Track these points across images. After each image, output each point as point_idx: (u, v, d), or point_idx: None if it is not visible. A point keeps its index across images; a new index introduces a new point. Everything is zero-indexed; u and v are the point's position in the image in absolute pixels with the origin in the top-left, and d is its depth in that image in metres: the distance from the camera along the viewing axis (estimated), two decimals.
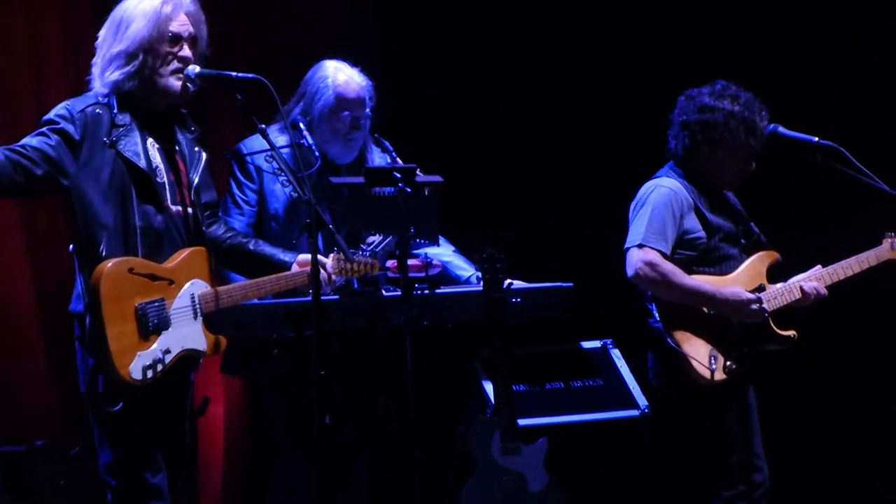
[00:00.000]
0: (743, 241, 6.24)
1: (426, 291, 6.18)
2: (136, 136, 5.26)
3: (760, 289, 6.16)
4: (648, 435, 6.60)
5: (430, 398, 7.06)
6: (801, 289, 6.18)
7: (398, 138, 6.64)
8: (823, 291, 6.19)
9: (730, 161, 6.18)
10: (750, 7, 8.52)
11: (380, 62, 8.09)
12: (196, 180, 5.40)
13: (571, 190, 8.43)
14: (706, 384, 6.07)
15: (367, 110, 6.51)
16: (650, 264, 6.01)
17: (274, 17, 8.14)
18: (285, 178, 5.87)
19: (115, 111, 5.23)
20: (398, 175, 5.84)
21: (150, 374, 5.12)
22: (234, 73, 5.42)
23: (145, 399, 5.20)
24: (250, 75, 5.46)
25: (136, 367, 5.09)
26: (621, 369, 7.00)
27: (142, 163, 5.23)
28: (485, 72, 8.55)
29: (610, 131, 8.47)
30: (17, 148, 5.17)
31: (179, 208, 5.35)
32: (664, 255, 6.06)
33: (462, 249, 6.55)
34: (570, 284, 6.42)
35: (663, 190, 6.14)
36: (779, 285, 6.20)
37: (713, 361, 6.01)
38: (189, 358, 5.30)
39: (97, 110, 5.23)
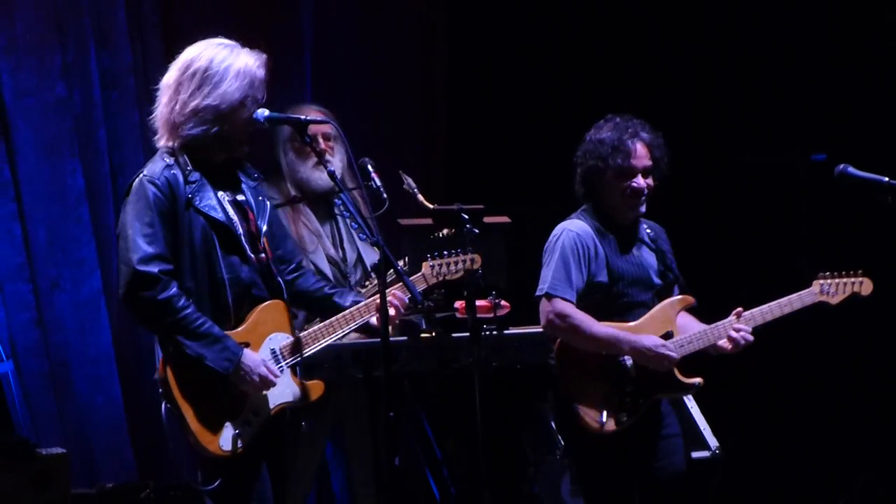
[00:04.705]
0: (660, 281, 6.00)
1: (494, 332, 6.18)
2: (209, 191, 5.18)
3: (668, 336, 5.90)
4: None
5: (499, 440, 7.08)
6: (729, 337, 5.88)
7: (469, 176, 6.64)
8: (749, 338, 5.92)
9: (610, 187, 5.93)
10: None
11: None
12: (264, 228, 5.29)
13: None
14: (597, 433, 5.83)
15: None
16: (560, 315, 5.78)
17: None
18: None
19: (189, 168, 5.16)
20: (465, 216, 5.86)
21: (240, 443, 5.08)
22: (302, 117, 5.42)
23: (244, 468, 5.12)
24: (319, 118, 5.47)
25: (226, 438, 5.08)
26: (692, 410, 6.96)
27: (220, 215, 5.16)
28: (552, 108, 8.60)
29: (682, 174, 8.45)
30: (165, 258, 5.08)
31: (261, 255, 5.26)
32: (571, 304, 5.82)
33: (531, 289, 6.51)
34: None
35: (570, 234, 5.90)
36: (692, 332, 5.94)
37: (603, 413, 5.79)
38: (283, 413, 5.23)
39: (172, 171, 5.13)
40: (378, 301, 5.21)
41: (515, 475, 7.28)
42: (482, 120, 8.53)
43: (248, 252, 5.20)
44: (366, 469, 6.42)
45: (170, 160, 5.16)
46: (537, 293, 5.85)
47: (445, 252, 5.64)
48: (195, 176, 5.14)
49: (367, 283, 6.34)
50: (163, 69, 5.36)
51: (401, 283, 5.33)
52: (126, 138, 7.50)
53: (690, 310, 5.98)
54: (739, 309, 5.92)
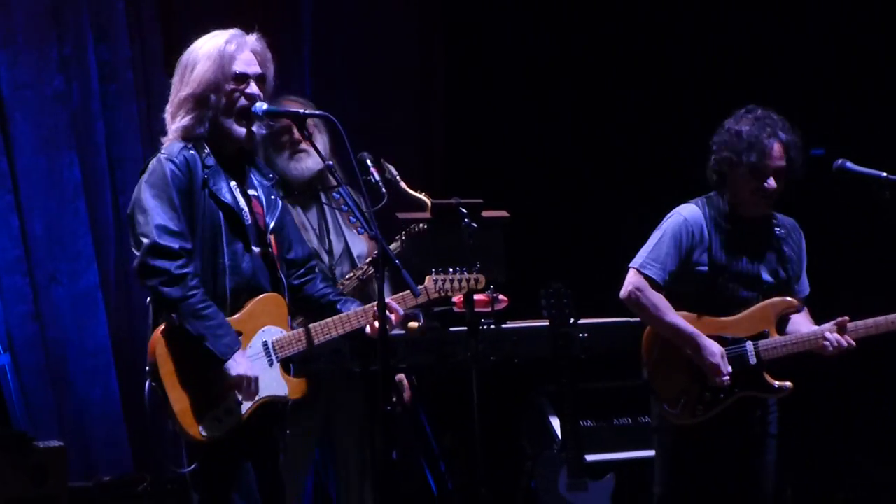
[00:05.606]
0: (771, 279, 5.94)
1: (492, 326, 6.19)
2: (223, 178, 5.18)
3: (762, 335, 5.86)
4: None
5: (497, 434, 7.08)
6: (826, 339, 5.82)
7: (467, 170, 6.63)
8: (844, 344, 5.84)
9: (741, 182, 5.87)
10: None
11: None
12: (272, 225, 5.28)
13: (639, 223, 8.41)
14: (674, 422, 5.87)
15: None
16: (639, 290, 5.82)
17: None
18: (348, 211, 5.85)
19: (207, 152, 5.15)
20: (464, 210, 5.86)
21: (221, 430, 5.04)
22: (302, 111, 5.41)
23: (225, 455, 5.09)
24: (319, 112, 5.45)
25: (207, 423, 5.03)
26: None
27: (231, 202, 5.16)
28: (550, 102, 8.60)
29: (678, 166, 8.45)
30: (185, 236, 5.06)
31: (269, 249, 5.24)
32: (656, 284, 5.86)
33: (528, 283, 6.52)
34: (637, 319, 6.39)
35: (678, 218, 5.93)
36: (792, 335, 5.89)
37: (680, 403, 5.82)
38: (270, 406, 5.19)
39: (191, 152, 5.12)
40: (375, 309, 5.20)
41: (513, 469, 7.30)
42: (481, 114, 8.52)
43: (253, 243, 5.20)
44: (360, 467, 6.43)
45: (188, 143, 5.17)
46: (630, 265, 5.91)
47: (451, 269, 5.64)
48: (211, 161, 5.15)
49: (352, 273, 6.33)
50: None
51: (397, 295, 5.34)
52: (124, 131, 7.52)
53: (792, 313, 5.95)
54: (845, 318, 5.88)
